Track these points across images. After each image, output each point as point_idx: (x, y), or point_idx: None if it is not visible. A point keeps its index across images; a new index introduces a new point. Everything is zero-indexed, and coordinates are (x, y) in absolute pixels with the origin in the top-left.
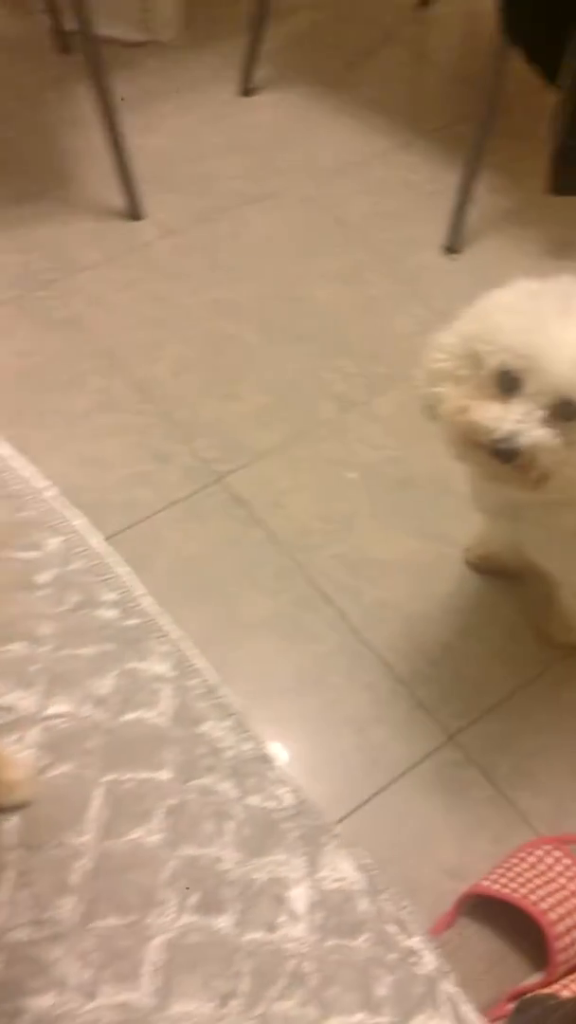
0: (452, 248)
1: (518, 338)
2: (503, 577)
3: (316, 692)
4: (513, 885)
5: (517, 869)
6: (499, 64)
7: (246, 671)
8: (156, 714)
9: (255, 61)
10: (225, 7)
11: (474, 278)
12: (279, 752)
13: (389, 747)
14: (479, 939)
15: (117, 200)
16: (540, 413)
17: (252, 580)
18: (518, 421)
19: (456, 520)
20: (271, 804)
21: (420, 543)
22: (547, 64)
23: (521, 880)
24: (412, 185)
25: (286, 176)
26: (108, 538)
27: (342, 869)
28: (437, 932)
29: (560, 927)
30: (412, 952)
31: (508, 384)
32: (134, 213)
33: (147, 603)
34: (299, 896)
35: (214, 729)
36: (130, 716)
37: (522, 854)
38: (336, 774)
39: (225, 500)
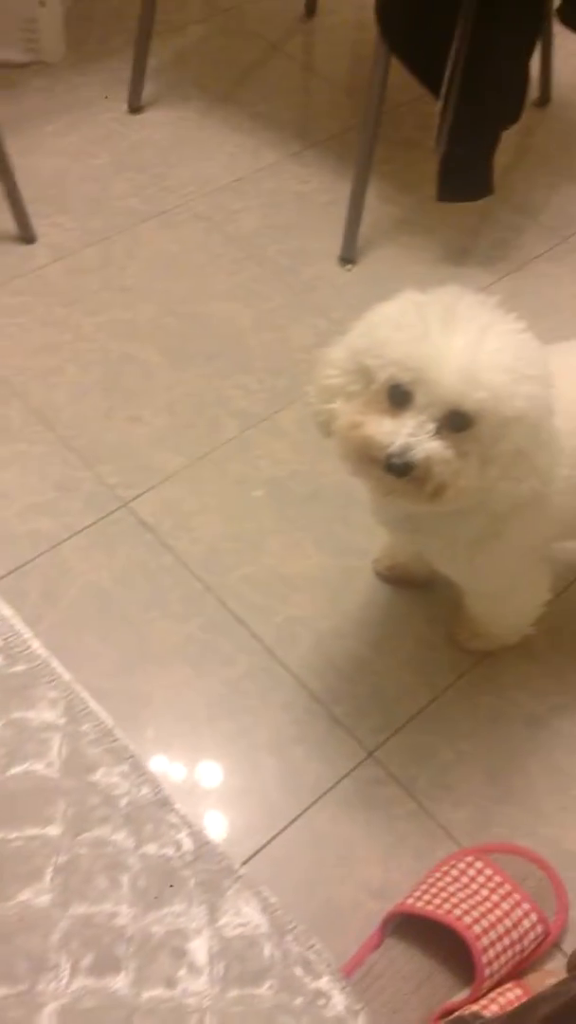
0: (347, 258)
1: (404, 351)
2: (412, 586)
3: (231, 717)
4: (437, 901)
5: (440, 884)
6: (382, 72)
7: (158, 702)
8: (45, 765)
9: (142, 78)
10: (110, 25)
11: (370, 287)
12: (200, 780)
13: (308, 768)
14: (406, 959)
15: (7, 223)
16: (431, 425)
17: (162, 607)
18: (410, 435)
19: (363, 532)
20: (169, 851)
21: (329, 557)
22: (427, 73)
23: (444, 895)
24: (304, 197)
25: (177, 193)
26: (13, 571)
27: (245, 913)
28: (363, 955)
29: (484, 940)
30: (320, 994)
31: (399, 398)
32: (25, 236)
33: (36, 646)
34: (199, 947)
35: (108, 776)
36: (17, 770)
37: (445, 867)
38: (256, 801)
39: (131, 526)
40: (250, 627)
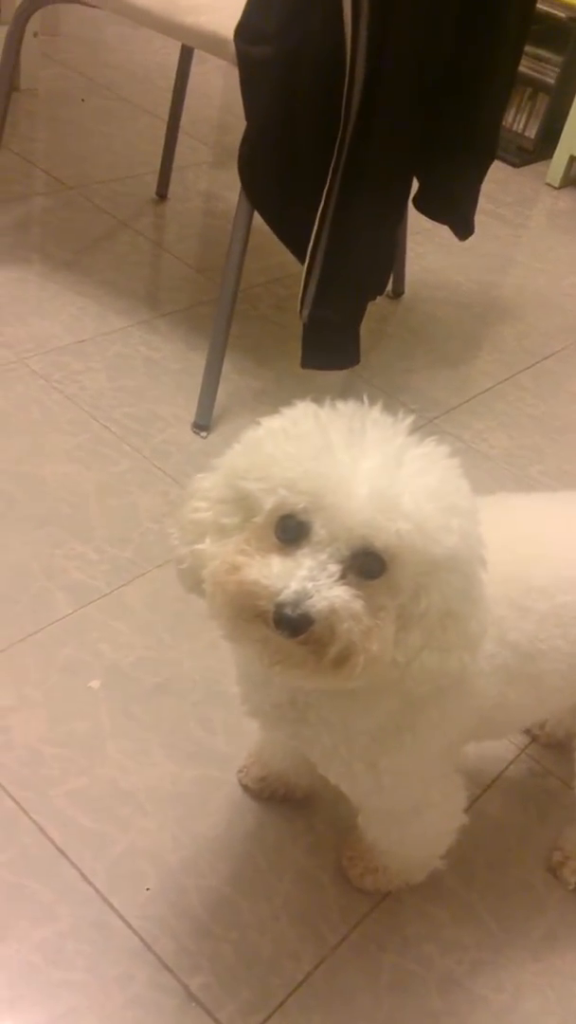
0: (202, 425)
1: (298, 469)
2: (289, 803)
3: (45, 999)
4: None
5: None
6: (243, 232)
7: None
8: None
9: None
10: None
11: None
12: None
13: None
14: None
15: None
16: (335, 568)
17: None
18: (307, 578)
19: (226, 733)
20: None
21: (182, 766)
22: (290, 233)
23: None
24: (155, 363)
25: (12, 350)
26: None
27: None
28: None
29: None
30: None
31: (291, 531)
32: None
33: None
34: None
35: None
36: None
37: None
38: None
39: None
40: (78, 864)
